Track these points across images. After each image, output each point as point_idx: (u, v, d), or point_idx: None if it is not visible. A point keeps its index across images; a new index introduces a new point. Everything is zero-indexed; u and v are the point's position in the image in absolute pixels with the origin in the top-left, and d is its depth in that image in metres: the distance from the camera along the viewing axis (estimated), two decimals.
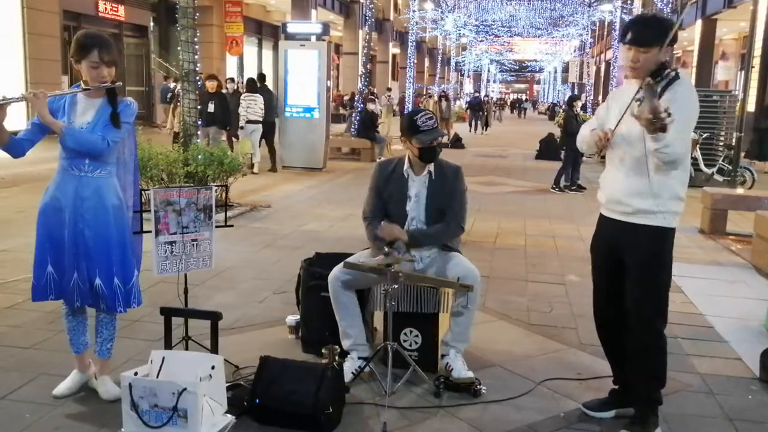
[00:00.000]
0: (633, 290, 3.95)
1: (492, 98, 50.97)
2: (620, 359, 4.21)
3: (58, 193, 4.04)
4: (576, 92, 56.17)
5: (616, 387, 4.30)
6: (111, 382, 4.24)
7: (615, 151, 3.93)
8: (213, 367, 3.67)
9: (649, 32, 3.77)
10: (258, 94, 15.78)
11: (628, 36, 3.79)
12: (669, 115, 3.38)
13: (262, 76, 17.57)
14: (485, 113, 35.56)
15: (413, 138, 4.65)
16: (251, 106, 15.50)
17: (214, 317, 4.39)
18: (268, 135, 16.26)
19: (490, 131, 34.80)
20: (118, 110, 4.03)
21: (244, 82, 17.63)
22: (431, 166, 4.77)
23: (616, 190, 3.94)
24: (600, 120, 4.11)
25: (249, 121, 15.48)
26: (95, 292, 4.07)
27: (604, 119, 4.07)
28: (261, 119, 15.63)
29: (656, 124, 3.41)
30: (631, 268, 3.93)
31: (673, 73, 3.77)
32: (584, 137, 4.16)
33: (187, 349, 4.57)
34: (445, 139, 20.55)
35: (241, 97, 15.86)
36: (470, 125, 34.62)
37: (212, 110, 14.96)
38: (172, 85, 16.21)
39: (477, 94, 42.44)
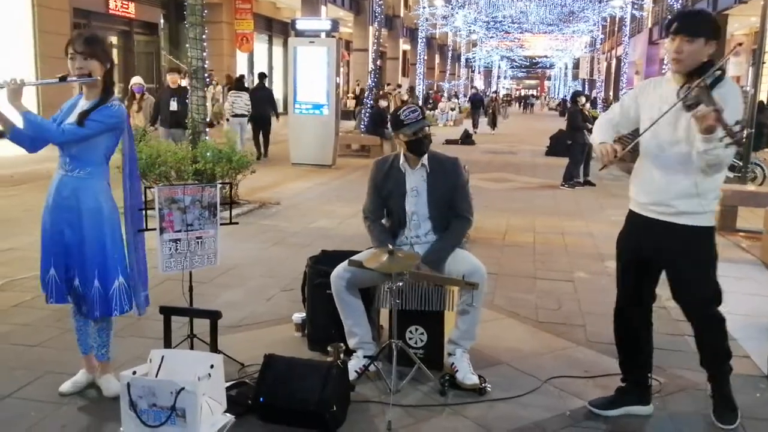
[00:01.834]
0: (684, 287, 3.99)
1: (499, 94, 49.27)
2: (636, 353, 4.22)
3: (50, 191, 4.12)
4: (587, 88, 56.14)
5: (623, 385, 4.29)
6: (114, 380, 4.24)
7: (654, 150, 3.88)
8: (212, 367, 3.66)
9: (696, 22, 3.74)
10: (243, 92, 16.87)
11: (674, 26, 3.73)
12: (737, 123, 3.37)
13: (262, 75, 18.95)
14: (492, 111, 34.10)
15: (400, 132, 4.71)
16: (236, 102, 16.51)
17: (213, 316, 4.39)
18: (264, 127, 17.66)
19: (497, 130, 32.92)
20: (94, 109, 4.01)
21: (255, 78, 18.31)
22: (425, 159, 4.79)
23: (659, 190, 3.88)
24: (624, 109, 4.08)
25: (235, 115, 16.41)
26: (75, 293, 4.12)
27: (628, 110, 4.05)
28: (247, 114, 16.64)
29: (714, 128, 3.38)
30: (676, 267, 3.95)
31: (719, 72, 3.67)
32: (599, 128, 4.13)
33: (192, 347, 4.58)
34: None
35: (228, 94, 16.87)
36: (473, 123, 31.69)
37: (175, 108, 13.37)
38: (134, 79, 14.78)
39: (476, 91, 40.06)
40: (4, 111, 3.90)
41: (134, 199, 4.34)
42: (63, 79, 4.03)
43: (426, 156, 4.79)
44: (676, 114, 3.74)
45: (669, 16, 23.05)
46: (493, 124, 33.25)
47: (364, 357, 4.60)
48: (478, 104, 33.56)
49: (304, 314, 5.25)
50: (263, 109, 17.31)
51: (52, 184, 4.10)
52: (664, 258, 3.99)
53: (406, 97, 34.09)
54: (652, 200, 3.93)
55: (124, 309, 4.18)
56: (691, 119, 3.58)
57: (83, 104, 4.08)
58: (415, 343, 4.74)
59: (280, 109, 29.48)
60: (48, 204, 4.09)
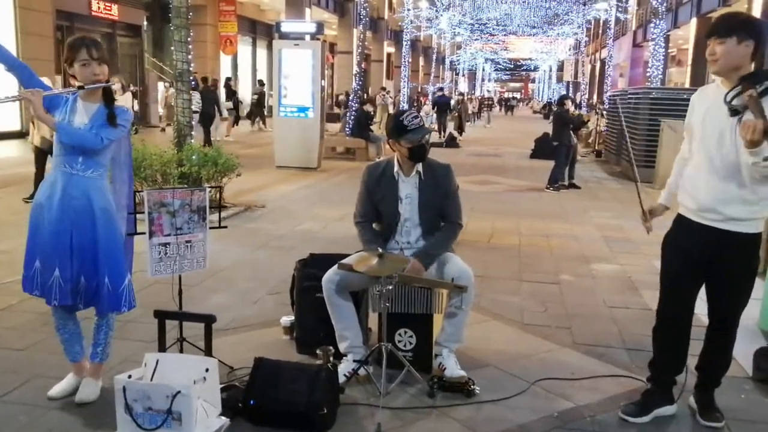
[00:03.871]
0: (727, 295, 4.04)
1: (468, 97, 45.87)
2: (678, 357, 4.26)
3: (50, 190, 4.08)
4: (571, 91, 56.31)
5: (649, 387, 4.34)
6: (93, 385, 4.25)
7: (704, 154, 3.86)
8: (207, 370, 3.68)
9: (726, 22, 3.75)
10: (194, 92, 17.99)
11: (708, 30, 3.77)
12: None
13: (205, 79, 22.36)
14: (459, 114, 31.42)
15: (402, 138, 4.64)
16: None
17: (208, 320, 4.39)
18: (206, 124, 19.93)
19: (465, 135, 29.93)
20: (112, 112, 4.06)
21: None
22: (420, 166, 4.76)
23: (708, 196, 3.85)
24: (687, 127, 4.09)
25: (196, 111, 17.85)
26: (78, 292, 4.09)
27: (690, 123, 4.05)
28: (197, 111, 18.23)
29: (760, 142, 3.35)
30: (725, 275, 3.97)
31: None
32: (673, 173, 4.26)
33: (181, 350, 4.59)
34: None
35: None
36: (438, 130, 28.27)
37: None
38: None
39: (443, 93, 35.74)
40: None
41: (130, 201, 4.39)
42: (81, 87, 4.05)
43: (421, 163, 4.78)
44: (722, 120, 3.74)
45: (653, 19, 23.21)
46: (459, 129, 30.26)
47: (354, 361, 4.61)
48: (444, 108, 30.72)
49: (292, 317, 5.26)
50: (207, 107, 19.88)
51: (54, 184, 4.06)
52: (711, 263, 3.98)
53: (390, 101, 33.80)
54: (700, 206, 3.90)
55: (132, 305, 4.22)
56: (737, 128, 3.60)
57: (86, 107, 4.09)
58: (404, 345, 4.76)
59: (265, 112, 29.70)
60: (49, 204, 4.04)
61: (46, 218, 4.06)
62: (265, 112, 29.98)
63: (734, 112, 3.63)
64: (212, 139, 19.56)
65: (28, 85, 4.06)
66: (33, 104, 3.88)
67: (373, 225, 4.94)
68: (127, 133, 4.27)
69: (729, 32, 3.70)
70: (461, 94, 37.05)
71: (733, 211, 3.80)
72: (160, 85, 30.54)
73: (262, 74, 39.42)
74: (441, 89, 37.88)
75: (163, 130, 24.77)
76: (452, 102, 34.18)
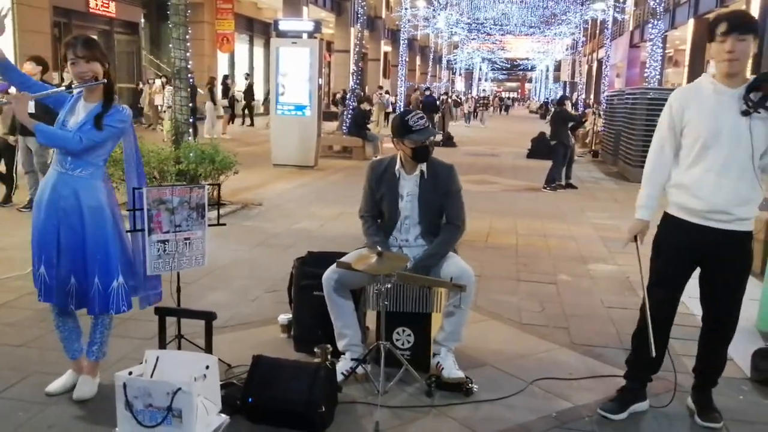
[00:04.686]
0: (728, 294, 4.05)
1: (452, 97, 44.45)
2: (661, 355, 4.25)
3: (44, 187, 4.10)
4: (568, 91, 56.33)
5: (626, 383, 4.37)
6: (90, 382, 4.25)
7: (715, 155, 3.82)
8: (207, 367, 3.67)
9: (745, 20, 3.74)
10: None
11: (723, 27, 3.69)
12: None
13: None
14: (442, 114, 30.16)
15: (406, 138, 4.64)
16: (167, 96, 18.76)
17: (208, 317, 4.39)
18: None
19: (457, 136, 28.40)
20: (105, 113, 4.04)
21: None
22: (423, 165, 4.76)
23: (719, 198, 3.83)
24: (674, 127, 4.01)
25: (170, 107, 18.21)
26: (69, 292, 4.08)
27: (678, 121, 3.97)
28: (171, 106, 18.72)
29: None
30: (726, 274, 3.99)
31: None
32: (651, 174, 4.16)
33: (179, 347, 4.58)
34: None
35: (166, 90, 18.93)
36: None
37: (32, 110, 9.68)
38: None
39: (430, 92, 34.75)
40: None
41: (129, 198, 4.37)
42: (69, 87, 4.05)
43: (425, 162, 4.77)
44: (736, 119, 3.74)
45: (651, 20, 23.20)
46: (442, 129, 28.34)
47: (352, 359, 4.61)
48: (430, 108, 29.03)
49: (290, 315, 5.25)
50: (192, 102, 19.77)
51: (46, 181, 4.09)
52: (710, 263, 4.01)
53: (389, 99, 33.51)
54: (708, 208, 3.86)
55: (121, 309, 4.17)
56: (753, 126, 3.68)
57: (85, 107, 4.08)
58: (402, 344, 4.76)
59: (260, 110, 29.84)
60: (41, 200, 4.08)
61: (38, 216, 4.09)
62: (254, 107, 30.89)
63: (756, 109, 3.66)
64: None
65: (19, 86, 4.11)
66: (17, 109, 3.92)
67: (378, 221, 4.94)
68: (130, 129, 4.27)
69: (750, 29, 3.69)
70: (445, 93, 35.25)
71: (742, 211, 3.83)
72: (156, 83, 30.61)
73: (259, 72, 39.39)
74: (428, 88, 37.25)
75: (152, 128, 24.68)
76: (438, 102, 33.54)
